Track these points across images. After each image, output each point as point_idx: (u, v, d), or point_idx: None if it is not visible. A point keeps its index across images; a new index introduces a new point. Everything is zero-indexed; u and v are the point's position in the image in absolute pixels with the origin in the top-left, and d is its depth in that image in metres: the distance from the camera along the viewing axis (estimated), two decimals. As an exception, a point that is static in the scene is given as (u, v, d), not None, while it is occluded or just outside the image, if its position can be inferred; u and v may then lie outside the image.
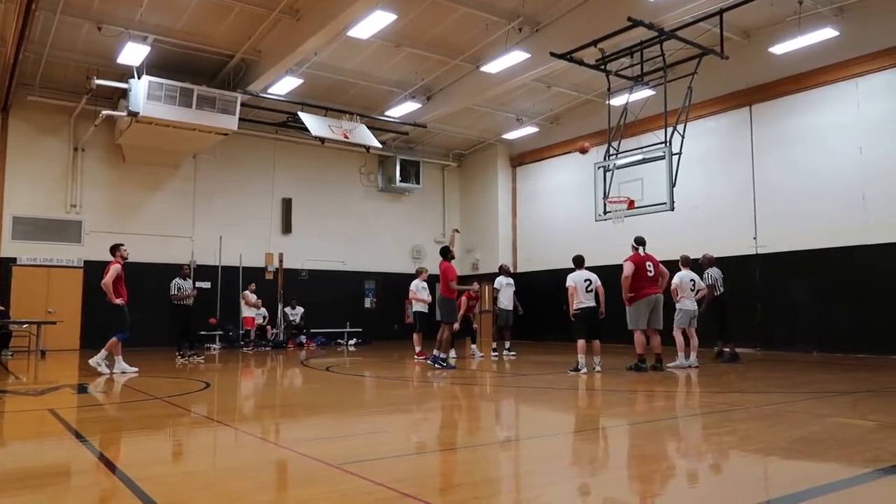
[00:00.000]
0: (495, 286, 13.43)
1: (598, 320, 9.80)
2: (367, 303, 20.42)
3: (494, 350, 13.39)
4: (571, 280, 9.73)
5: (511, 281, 13.47)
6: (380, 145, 17.75)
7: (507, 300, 13.22)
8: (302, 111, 16.12)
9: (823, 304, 13.08)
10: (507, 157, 21.12)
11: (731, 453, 4.37)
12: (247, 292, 16.46)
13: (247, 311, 16.40)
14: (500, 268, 13.87)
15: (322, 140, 16.34)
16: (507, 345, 13.27)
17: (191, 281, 12.85)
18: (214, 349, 16.07)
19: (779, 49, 13.02)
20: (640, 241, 10.09)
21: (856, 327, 12.52)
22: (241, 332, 16.59)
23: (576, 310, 9.67)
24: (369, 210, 20.65)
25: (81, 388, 8.26)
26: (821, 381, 8.73)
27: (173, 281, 12.38)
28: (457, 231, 13.28)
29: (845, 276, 12.81)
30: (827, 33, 12.37)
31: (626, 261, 9.91)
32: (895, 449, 4.20)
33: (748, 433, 4.93)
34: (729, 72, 13.76)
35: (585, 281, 9.65)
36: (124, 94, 14.17)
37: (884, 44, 12.42)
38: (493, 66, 14.09)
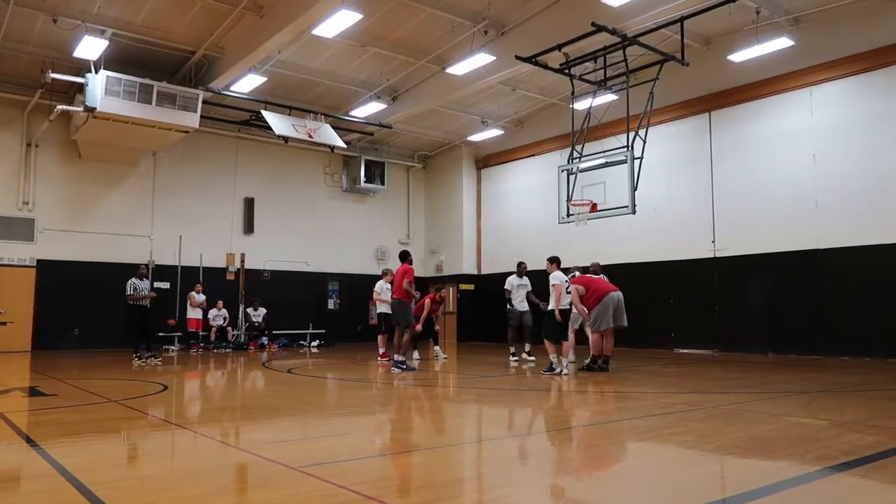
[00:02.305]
0: (506, 286, 12.18)
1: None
2: (331, 304, 20.26)
3: (513, 355, 11.84)
4: (557, 279, 9.57)
5: (525, 281, 12.23)
6: (344, 145, 17.63)
7: (519, 301, 12.11)
8: (265, 110, 15.92)
9: (778, 307, 13.43)
10: (471, 158, 21.18)
11: (689, 452, 4.45)
12: (192, 293, 16.10)
13: (191, 313, 16.01)
14: (518, 265, 12.50)
15: (286, 139, 16.16)
16: (528, 348, 12.17)
17: (148, 282, 12.57)
18: (173, 351, 15.75)
19: (737, 57, 13.33)
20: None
21: (809, 329, 12.88)
22: (189, 332, 16.11)
23: (562, 309, 9.54)
24: (333, 210, 20.49)
25: (33, 391, 8.01)
26: (775, 381, 8.95)
27: (129, 281, 12.10)
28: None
29: (799, 279, 13.17)
30: (783, 42, 12.71)
31: (572, 283, 9.84)
32: (845, 447, 4.32)
33: (705, 432, 5.03)
34: (689, 78, 14.04)
35: (565, 282, 9.63)
36: (81, 88, 13.80)
37: (837, 54, 12.82)
38: (459, 68, 14.12)
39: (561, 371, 9.37)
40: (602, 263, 11.38)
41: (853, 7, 12.48)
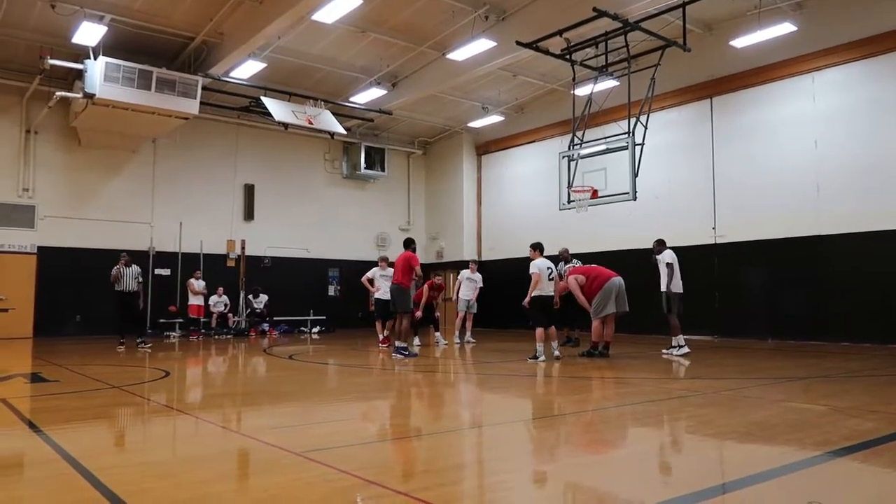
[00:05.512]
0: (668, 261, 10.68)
1: (553, 309, 9.85)
2: (331, 290, 20.27)
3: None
4: (536, 267, 9.56)
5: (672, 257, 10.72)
6: (344, 132, 17.57)
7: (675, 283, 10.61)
8: (265, 96, 15.85)
9: (778, 293, 13.44)
10: (472, 145, 21.12)
11: (689, 437, 4.47)
12: (192, 280, 16.14)
13: (193, 299, 16.05)
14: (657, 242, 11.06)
15: (286, 126, 16.11)
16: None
17: (132, 269, 12.64)
18: (174, 337, 15.78)
19: (739, 42, 13.25)
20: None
21: (808, 315, 12.91)
22: (191, 319, 16.14)
23: (535, 297, 9.59)
24: (333, 197, 20.46)
25: (35, 377, 8.04)
26: (775, 367, 8.98)
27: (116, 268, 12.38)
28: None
29: (799, 265, 13.17)
30: (785, 28, 12.63)
31: (568, 276, 9.97)
32: (844, 432, 4.34)
33: (706, 418, 5.05)
34: (691, 64, 13.96)
35: (548, 269, 9.62)
36: (80, 75, 13.74)
37: (839, 40, 12.74)
38: (459, 54, 14.04)
39: (541, 358, 9.30)
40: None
41: (856, -8, 12.40)
